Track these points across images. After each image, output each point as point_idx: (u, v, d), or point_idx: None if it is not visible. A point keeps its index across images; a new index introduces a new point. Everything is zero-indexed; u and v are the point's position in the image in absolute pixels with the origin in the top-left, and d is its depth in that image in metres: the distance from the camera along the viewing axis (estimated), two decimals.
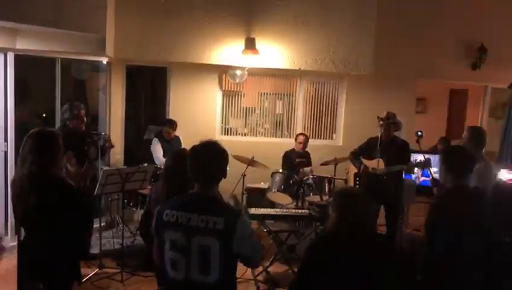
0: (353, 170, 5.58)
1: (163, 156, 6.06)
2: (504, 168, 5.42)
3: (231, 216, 2.24)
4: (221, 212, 2.24)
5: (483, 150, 4.06)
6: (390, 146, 5.16)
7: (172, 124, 6.24)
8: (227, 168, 2.38)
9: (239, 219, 2.24)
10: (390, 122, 5.15)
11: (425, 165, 4.77)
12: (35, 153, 2.78)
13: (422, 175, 6.20)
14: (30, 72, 6.13)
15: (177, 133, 6.31)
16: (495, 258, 2.75)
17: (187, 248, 2.22)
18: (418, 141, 4.86)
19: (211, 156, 2.33)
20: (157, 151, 6.13)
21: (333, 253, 2.36)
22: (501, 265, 2.78)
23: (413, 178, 6.06)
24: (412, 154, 5.19)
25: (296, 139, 6.56)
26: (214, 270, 2.20)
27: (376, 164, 5.15)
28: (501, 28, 6.96)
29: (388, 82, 6.90)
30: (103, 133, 5.23)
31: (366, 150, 5.40)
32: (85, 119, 4.94)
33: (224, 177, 2.38)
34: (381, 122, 5.14)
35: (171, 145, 6.15)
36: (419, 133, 4.82)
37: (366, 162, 5.33)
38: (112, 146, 5.39)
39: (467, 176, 2.95)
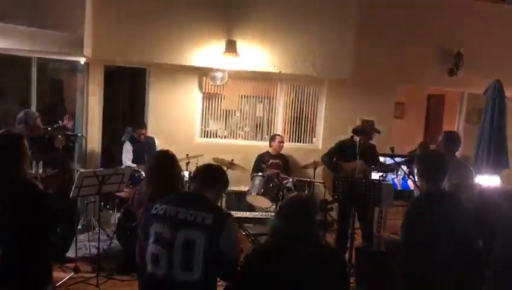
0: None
1: (136, 157, 5.98)
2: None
3: (221, 214, 2.32)
4: (211, 209, 2.30)
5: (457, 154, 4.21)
6: (367, 151, 5.24)
7: (141, 125, 6.19)
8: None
9: (228, 219, 2.31)
10: (371, 128, 5.24)
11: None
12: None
13: (401, 185, 6.28)
14: (4, 72, 5.98)
15: (156, 134, 6.24)
16: (466, 262, 2.79)
17: (171, 242, 2.21)
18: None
19: (217, 168, 2.62)
20: (126, 155, 6.04)
21: (270, 263, 2.19)
22: (471, 268, 2.82)
23: (393, 181, 6.12)
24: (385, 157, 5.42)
25: (272, 140, 6.58)
26: (196, 267, 2.19)
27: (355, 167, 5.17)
28: (477, 35, 7.10)
29: (367, 87, 6.96)
30: (79, 134, 5.14)
31: (338, 153, 5.42)
32: (41, 126, 4.81)
33: (220, 193, 2.62)
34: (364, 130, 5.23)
35: (145, 146, 6.06)
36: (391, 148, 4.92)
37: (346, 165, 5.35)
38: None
39: (439, 181, 2.99)
